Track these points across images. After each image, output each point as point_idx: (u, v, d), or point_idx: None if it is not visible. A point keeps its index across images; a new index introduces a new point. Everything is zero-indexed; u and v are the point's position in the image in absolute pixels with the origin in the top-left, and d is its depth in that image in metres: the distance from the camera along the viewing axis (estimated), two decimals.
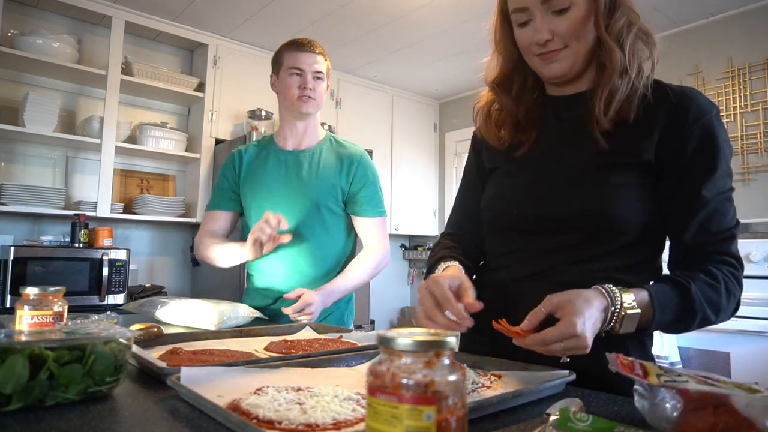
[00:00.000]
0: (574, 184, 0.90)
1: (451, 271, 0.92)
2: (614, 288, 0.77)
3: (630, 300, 0.76)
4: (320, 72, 1.60)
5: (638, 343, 0.88)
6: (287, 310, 1.41)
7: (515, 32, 0.93)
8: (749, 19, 3.02)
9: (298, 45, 1.60)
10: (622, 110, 0.87)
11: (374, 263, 1.62)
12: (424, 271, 1.02)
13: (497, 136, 1.02)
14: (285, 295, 1.46)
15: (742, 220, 0.88)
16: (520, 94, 1.00)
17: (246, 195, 1.67)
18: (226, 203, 1.70)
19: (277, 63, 1.64)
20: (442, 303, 0.78)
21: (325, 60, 1.64)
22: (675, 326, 0.82)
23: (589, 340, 0.71)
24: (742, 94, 3.01)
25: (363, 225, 1.64)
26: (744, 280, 0.85)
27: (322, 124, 3.60)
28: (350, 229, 1.67)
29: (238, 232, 1.78)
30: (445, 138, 4.73)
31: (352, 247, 1.69)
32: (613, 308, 0.75)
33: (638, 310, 0.76)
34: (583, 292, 0.75)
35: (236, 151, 1.73)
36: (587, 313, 0.71)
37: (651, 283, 0.84)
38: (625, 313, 0.75)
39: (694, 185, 0.84)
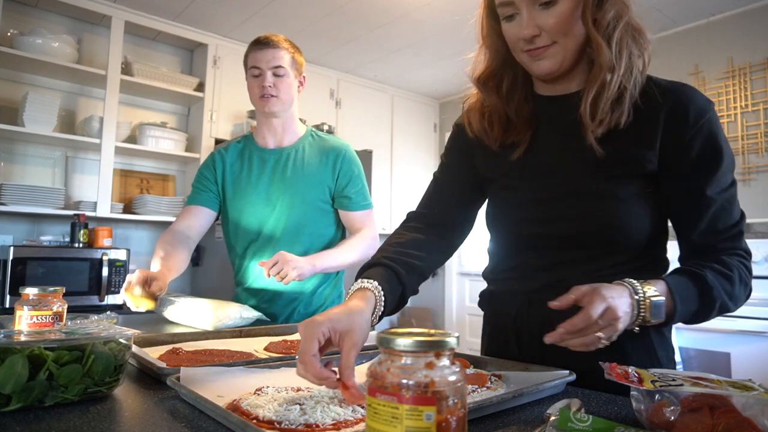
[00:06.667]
0: (580, 202, 0.87)
1: (354, 301, 0.75)
2: (633, 280, 0.76)
3: (652, 290, 0.76)
4: (280, 67, 1.53)
5: (660, 335, 0.89)
6: (264, 265, 1.36)
7: (502, 26, 0.89)
8: (749, 19, 3.02)
9: (256, 43, 1.54)
10: (612, 111, 0.84)
11: (365, 244, 1.59)
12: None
13: (491, 134, 0.97)
14: (260, 263, 1.41)
15: None
16: (511, 91, 0.95)
17: (232, 198, 1.62)
18: (207, 200, 1.62)
19: (244, 64, 1.61)
20: (302, 358, 0.64)
21: (290, 53, 1.56)
22: (696, 316, 0.81)
23: (621, 312, 0.69)
24: (742, 94, 3.01)
25: (351, 218, 1.61)
26: None
27: (322, 124, 3.65)
28: (339, 223, 1.66)
29: (221, 240, 1.73)
30: (445, 138, 4.70)
31: (341, 240, 1.67)
32: (637, 297, 0.74)
33: (662, 298, 0.75)
34: (605, 284, 0.75)
35: (216, 152, 1.67)
36: (614, 293, 0.71)
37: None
38: (651, 300, 0.74)
39: (699, 186, 0.83)
